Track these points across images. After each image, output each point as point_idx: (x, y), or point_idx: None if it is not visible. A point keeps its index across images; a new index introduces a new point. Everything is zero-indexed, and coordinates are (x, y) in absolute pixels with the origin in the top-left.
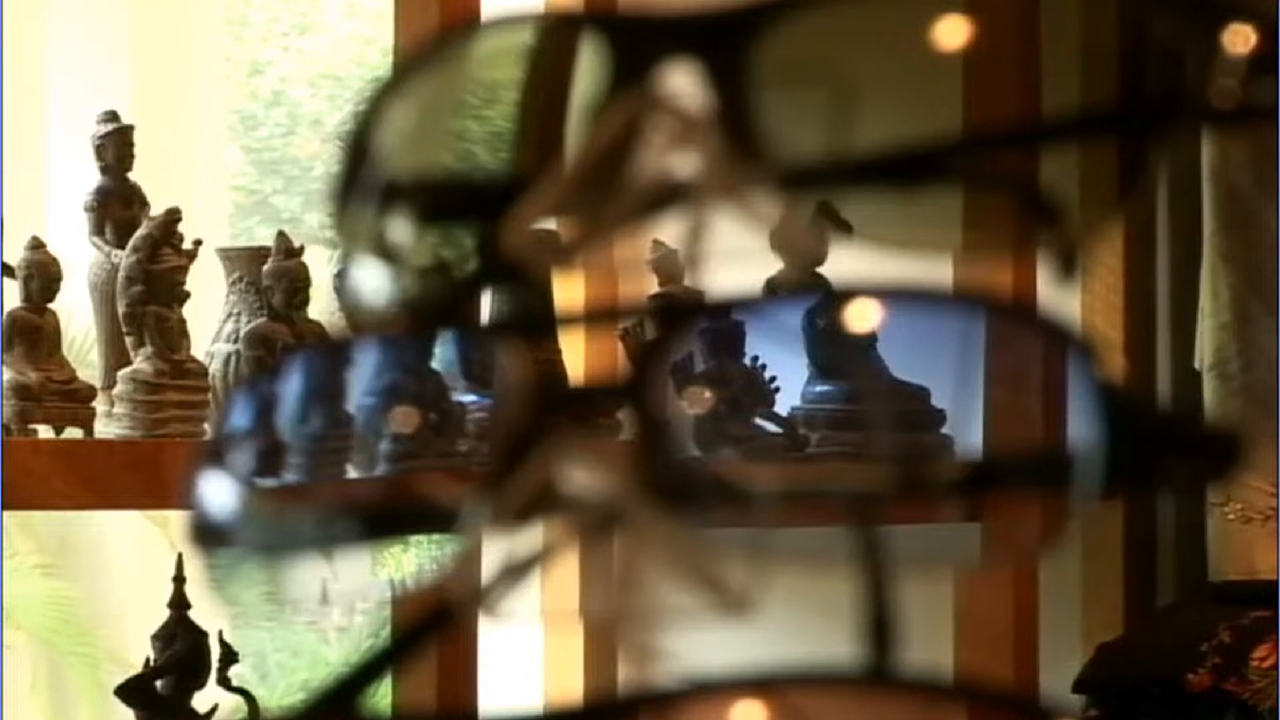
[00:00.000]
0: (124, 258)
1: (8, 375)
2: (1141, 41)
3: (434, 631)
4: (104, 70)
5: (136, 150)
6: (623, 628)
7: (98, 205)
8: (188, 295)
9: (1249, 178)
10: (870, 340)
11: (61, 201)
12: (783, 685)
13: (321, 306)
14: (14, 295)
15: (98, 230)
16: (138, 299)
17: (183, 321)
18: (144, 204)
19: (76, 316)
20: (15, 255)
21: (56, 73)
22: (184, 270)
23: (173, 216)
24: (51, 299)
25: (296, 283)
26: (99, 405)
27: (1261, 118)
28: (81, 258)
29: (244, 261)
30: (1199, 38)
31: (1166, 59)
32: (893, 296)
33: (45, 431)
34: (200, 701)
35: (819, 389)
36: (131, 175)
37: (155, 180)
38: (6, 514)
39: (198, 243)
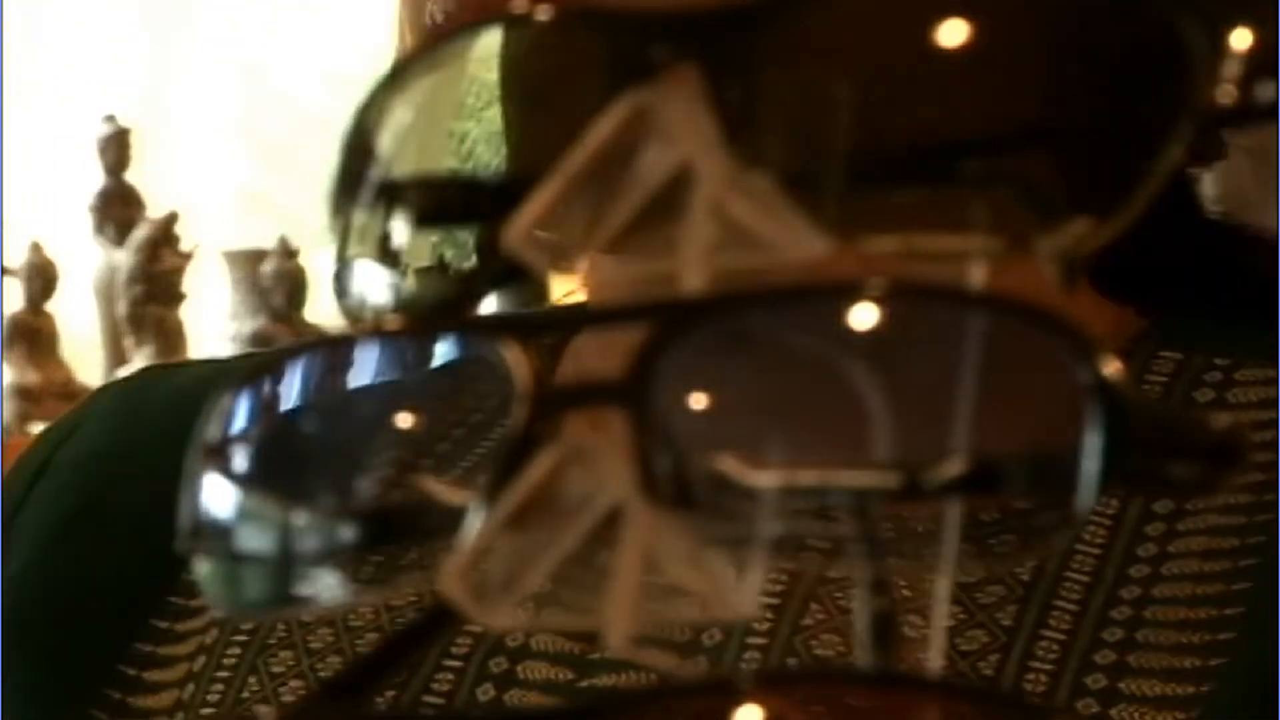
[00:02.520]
0: (124, 258)
1: (8, 376)
2: (1142, 41)
3: (433, 634)
4: (106, 70)
5: (140, 151)
6: (622, 628)
7: (98, 206)
8: (185, 296)
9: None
10: (870, 339)
11: (61, 202)
12: (784, 684)
13: (322, 307)
14: (13, 296)
15: (98, 231)
16: (138, 299)
17: (182, 322)
18: (143, 205)
19: (77, 317)
20: (15, 256)
21: (57, 73)
22: (183, 271)
23: (172, 218)
24: (50, 300)
25: (296, 283)
26: None
27: (1261, 118)
28: (82, 258)
29: (245, 262)
30: (1199, 38)
31: (1167, 59)
32: (893, 296)
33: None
34: None
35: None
36: (135, 176)
37: (159, 181)
38: None
39: (197, 245)
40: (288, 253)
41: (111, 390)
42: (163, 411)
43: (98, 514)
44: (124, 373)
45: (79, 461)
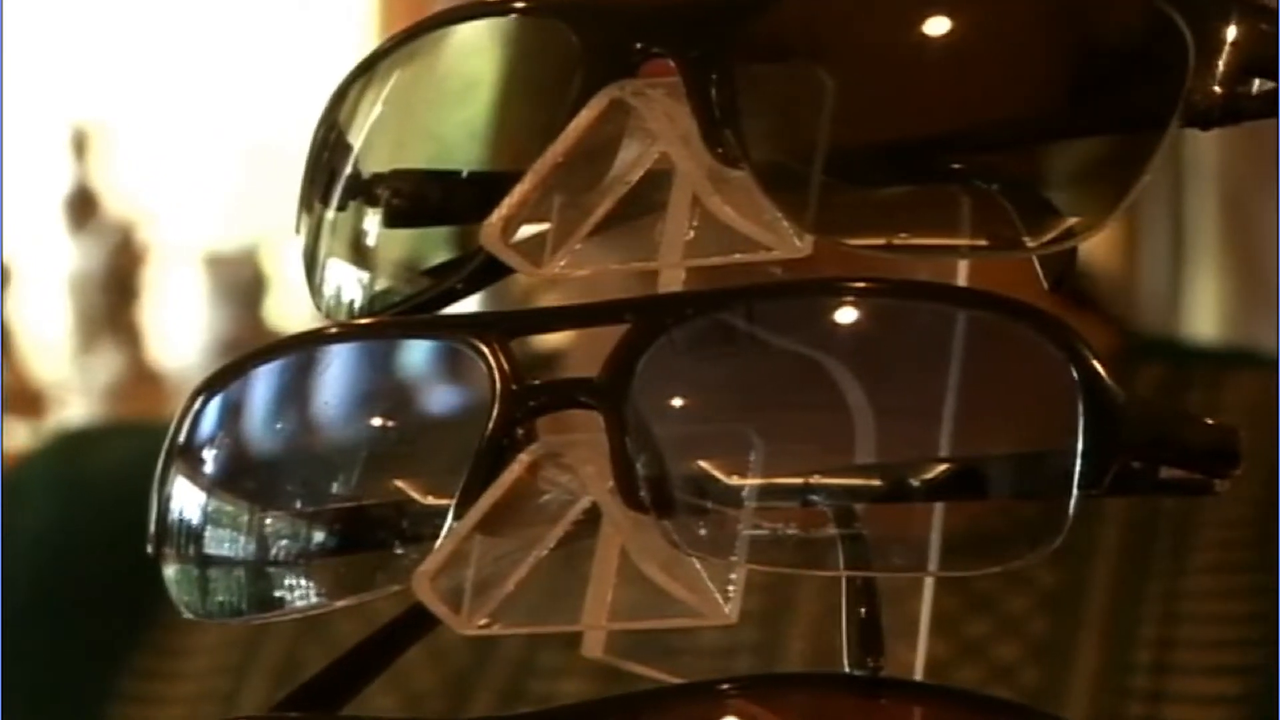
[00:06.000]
0: (93, 258)
1: None
2: (1133, 38)
3: (413, 637)
4: (91, 69)
5: (121, 149)
6: (606, 632)
7: (68, 205)
8: (157, 295)
9: (1249, 177)
10: (854, 339)
11: (30, 201)
12: (775, 687)
13: (300, 308)
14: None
15: (72, 230)
16: (109, 299)
17: (148, 322)
18: (113, 205)
19: (48, 316)
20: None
21: (30, 72)
22: (155, 272)
23: (142, 218)
24: (6, 300)
25: (268, 284)
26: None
27: (1259, 118)
28: (54, 258)
29: (217, 262)
30: (1196, 37)
31: (1164, 58)
32: (885, 295)
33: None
34: None
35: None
36: (113, 174)
37: (140, 180)
38: None
39: (167, 244)
40: (260, 253)
41: (46, 460)
42: (105, 488)
43: (55, 594)
44: (93, 372)
45: (29, 539)
